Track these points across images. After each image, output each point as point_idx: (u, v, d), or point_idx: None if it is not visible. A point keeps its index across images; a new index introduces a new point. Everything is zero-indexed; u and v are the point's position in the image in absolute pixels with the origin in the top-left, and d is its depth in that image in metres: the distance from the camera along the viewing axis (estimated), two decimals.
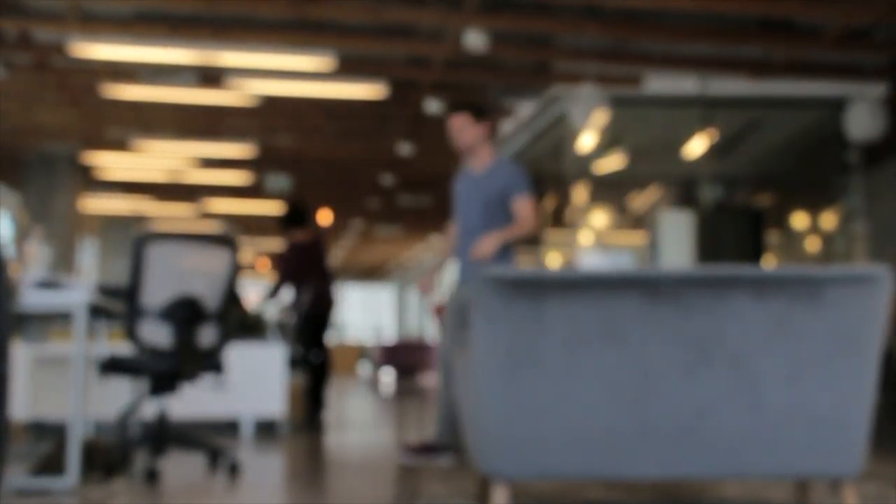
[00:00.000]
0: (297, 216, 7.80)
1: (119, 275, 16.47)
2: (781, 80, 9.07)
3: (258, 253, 20.72)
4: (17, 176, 13.45)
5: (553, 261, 11.55)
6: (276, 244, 23.05)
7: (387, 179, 14.53)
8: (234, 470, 4.61)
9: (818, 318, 2.79)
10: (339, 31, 8.22)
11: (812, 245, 10.98)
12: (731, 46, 8.53)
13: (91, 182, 14.15)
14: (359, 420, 8.75)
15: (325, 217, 17.67)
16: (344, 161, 13.46)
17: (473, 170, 4.99)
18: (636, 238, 11.71)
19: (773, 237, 10.91)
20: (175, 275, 4.45)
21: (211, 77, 9.47)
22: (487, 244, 4.64)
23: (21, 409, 6.21)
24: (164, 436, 4.55)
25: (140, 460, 4.98)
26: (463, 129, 4.93)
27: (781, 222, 11.21)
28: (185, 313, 4.45)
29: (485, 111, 4.99)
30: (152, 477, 4.28)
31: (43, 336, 6.59)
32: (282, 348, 7.22)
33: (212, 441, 4.79)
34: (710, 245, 9.66)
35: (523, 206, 4.77)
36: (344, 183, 15.18)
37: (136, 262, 4.34)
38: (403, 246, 24.00)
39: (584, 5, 7.49)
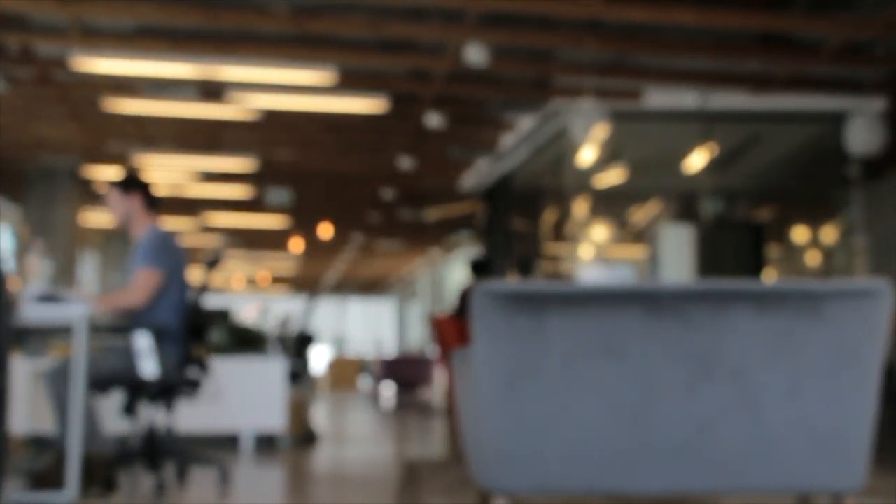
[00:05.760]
0: (476, 267, 9.78)
1: (119, 288, 16.44)
2: (781, 94, 9.08)
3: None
4: (18, 189, 13.46)
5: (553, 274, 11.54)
6: (275, 258, 23.04)
7: (387, 193, 14.53)
8: (225, 479, 4.61)
9: (819, 332, 2.79)
10: (339, 45, 8.24)
11: (812, 259, 10.98)
12: (730, 61, 8.54)
13: (92, 196, 14.17)
14: (359, 434, 8.73)
15: (324, 231, 17.67)
16: (344, 175, 13.46)
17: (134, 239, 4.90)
18: (636, 252, 11.71)
19: (773, 251, 10.90)
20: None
21: (212, 91, 9.48)
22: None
23: (20, 422, 6.20)
24: (156, 450, 4.56)
25: (129, 473, 4.97)
26: (112, 204, 4.86)
27: (782, 236, 11.21)
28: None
29: (132, 183, 4.85)
30: (160, 491, 4.29)
31: (42, 350, 6.58)
32: (282, 362, 7.21)
33: (198, 452, 4.78)
34: (711, 259, 9.66)
35: (139, 277, 4.65)
36: (344, 197, 15.19)
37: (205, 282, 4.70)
38: (404, 260, 24.00)
39: (585, 20, 7.51)
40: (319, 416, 10.91)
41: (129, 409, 4.51)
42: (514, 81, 9.37)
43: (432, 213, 15.79)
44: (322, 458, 6.44)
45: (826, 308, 2.79)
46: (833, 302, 2.79)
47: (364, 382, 23.10)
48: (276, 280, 28.27)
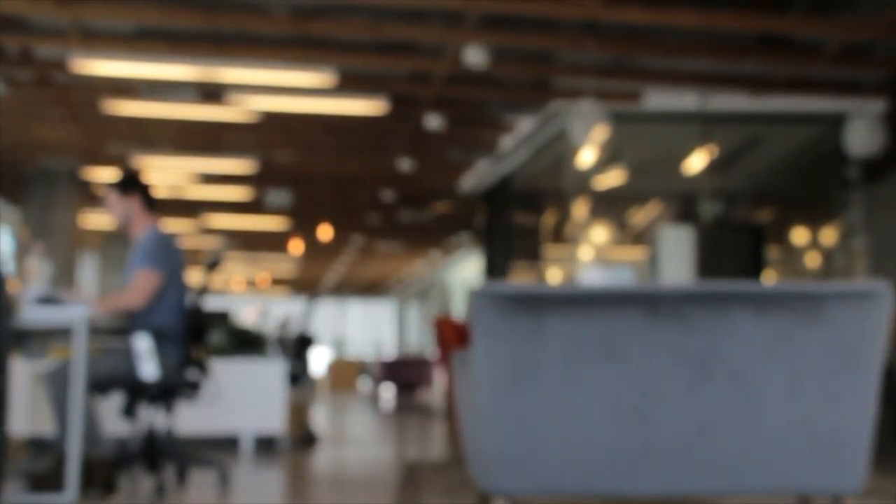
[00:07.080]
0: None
1: (119, 289, 16.44)
2: (781, 96, 9.08)
3: None
4: (17, 191, 13.45)
5: (553, 276, 11.54)
6: (275, 260, 23.02)
7: (387, 195, 14.53)
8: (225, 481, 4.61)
9: (819, 334, 2.78)
10: (339, 47, 8.24)
11: (812, 261, 10.97)
12: (730, 62, 8.55)
13: (91, 197, 14.16)
14: (359, 436, 8.74)
15: (324, 233, 17.67)
16: (344, 176, 13.46)
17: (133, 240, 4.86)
18: (636, 254, 11.71)
19: (773, 253, 10.90)
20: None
21: (211, 93, 9.48)
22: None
23: (20, 424, 6.20)
24: (156, 451, 4.56)
25: (130, 475, 4.97)
26: (111, 205, 4.84)
27: (781, 238, 11.21)
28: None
29: (130, 184, 4.83)
30: (160, 492, 4.29)
31: (42, 352, 6.58)
32: (281, 364, 7.21)
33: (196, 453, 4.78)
34: (710, 261, 9.65)
35: (138, 278, 4.63)
36: (344, 198, 15.19)
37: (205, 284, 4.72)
38: (404, 261, 23.99)
39: (584, 21, 7.51)
40: (319, 418, 10.91)
41: (129, 411, 4.51)
42: (513, 83, 9.37)
43: (436, 208, 15.80)
44: (322, 459, 6.44)
45: (826, 310, 2.78)
46: (833, 303, 2.79)
47: (364, 384, 23.09)
48: (276, 282, 28.26)
